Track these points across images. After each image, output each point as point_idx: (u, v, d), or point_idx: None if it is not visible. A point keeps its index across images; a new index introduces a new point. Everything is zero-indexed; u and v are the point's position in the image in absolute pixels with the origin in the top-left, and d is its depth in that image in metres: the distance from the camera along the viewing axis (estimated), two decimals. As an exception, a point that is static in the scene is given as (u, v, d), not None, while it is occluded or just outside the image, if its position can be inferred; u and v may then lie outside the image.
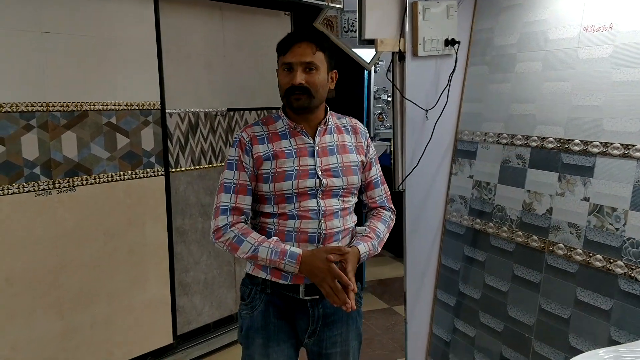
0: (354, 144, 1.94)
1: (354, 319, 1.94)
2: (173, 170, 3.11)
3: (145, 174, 2.93)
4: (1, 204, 2.43)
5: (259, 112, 3.53)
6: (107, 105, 2.78)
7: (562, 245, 2.10)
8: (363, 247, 1.85)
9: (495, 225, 2.41)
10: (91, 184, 2.74)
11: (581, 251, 2.03)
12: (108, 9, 2.75)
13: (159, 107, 2.97)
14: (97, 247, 2.79)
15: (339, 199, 1.86)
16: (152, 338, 3.05)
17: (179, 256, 3.16)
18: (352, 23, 4.17)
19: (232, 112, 3.42)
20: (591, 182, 2.02)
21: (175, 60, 3.09)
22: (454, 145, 2.66)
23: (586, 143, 2.05)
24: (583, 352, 1.92)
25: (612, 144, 1.95)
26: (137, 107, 2.88)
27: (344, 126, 1.96)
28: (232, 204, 1.82)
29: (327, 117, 1.91)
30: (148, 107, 2.92)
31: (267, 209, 1.85)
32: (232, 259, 3.43)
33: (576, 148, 2.08)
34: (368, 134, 2.02)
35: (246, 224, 1.85)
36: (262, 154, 1.83)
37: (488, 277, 2.42)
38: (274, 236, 1.82)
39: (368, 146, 1.99)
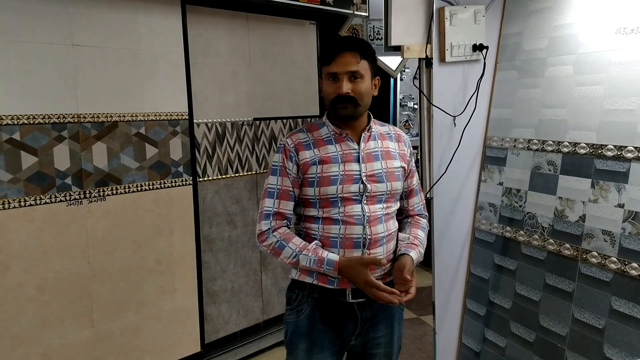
0: (397, 151, 1.94)
1: (398, 322, 1.96)
2: (200, 179, 3.12)
3: (173, 184, 2.94)
4: (34, 214, 2.45)
5: (284, 121, 3.53)
6: (136, 116, 2.80)
7: (596, 253, 2.04)
8: (414, 254, 1.86)
9: (526, 233, 2.35)
10: (121, 193, 2.76)
11: (616, 259, 1.97)
12: (137, 22, 2.78)
13: (187, 118, 2.99)
14: (127, 256, 2.80)
15: (382, 205, 1.87)
16: (180, 346, 3.05)
17: (207, 265, 3.17)
18: (378, 31, 4.16)
19: (258, 122, 3.42)
20: (625, 188, 1.96)
21: (202, 70, 3.12)
22: (483, 151, 2.61)
23: (620, 148, 1.99)
24: (619, 363, 1.86)
25: (647, 148, 1.90)
26: (165, 118, 2.90)
27: (388, 134, 1.96)
28: (275, 209, 1.85)
29: (371, 124, 1.91)
30: (176, 118, 2.94)
31: (312, 212, 1.86)
32: (259, 268, 3.42)
33: (609, 153, 2.02)
34: (410, 142, 2.04)
35: (289, 228, 1.87)
36: (308, 159, 1.84)
37: (519, 286, 2.36)
38: (319, 244, 1.84)
39: (411, 155, 2.00)
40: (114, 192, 2.75)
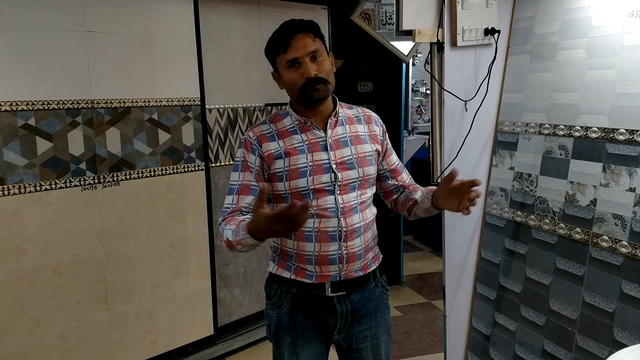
0: (367, 134, 1.88)
1: (383, 312, 1.91)
2: (213, 165, 3.14)
3: (186, 169, 2.97)
4: (50, 198, 2.49)
5: (297, 106, 3.53)
6: (149, 101, 2.82)
7: (607, 238, 2.04)
8: (420, 192, 1.89)
9: (537, 217, 2.35)
10: (134, 178, 2.79)
11: (626, 243, 1.97)
12: (149, 8, 2.79)
13: (199, 103, 3.00)
14: (141, 240, 2.84)
15: (356, 192, 1.80)
16: (193, 329, 3.09)
17: (219, 249, 3.19)
18: (390, 16, 4.13)
19: (270, 107, 3.43)
20: (637, 172, 1.95)
21: (214, 56, 3.12)
22: (494, 136, 2.61)
23: (632, 132, 1.98)
24: (629, 346, 1.86)
25: (659, 132, 1.88)
26: (177, 104, 2.91)
27: (356, 116, 1.89)
28: (233, 206, 1.76)
29: (337, 109, 1.84)
30: (188, 103, 2.96)
31: None
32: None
33: (621, 137, 2.01)
34: (382, 122, 1.96)
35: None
36: (273, 151, 1.76)
37: (529, 270, 2.36)
38: (294, 237, 1.78)
39: (384, 133, 1.93)
40: (128, 177, 2.78)
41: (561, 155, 2.27)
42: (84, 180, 2.63)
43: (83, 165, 2.63)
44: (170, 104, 2.88)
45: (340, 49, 3.69)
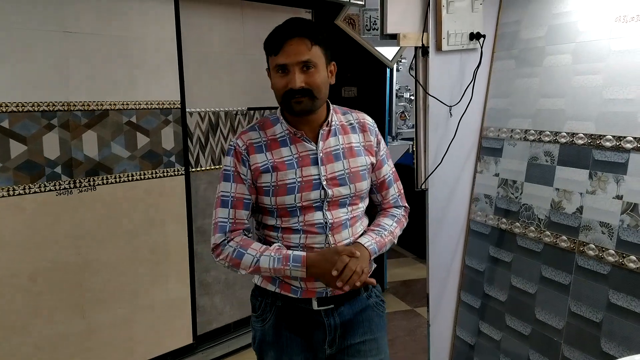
0: (362, 144, 1.75)
1: (377, 324, 1.80)
2: (193, 169, 3.06)
3: (165, 174, 2.89)
4: (23, 203, 2.41)
5: (280, 110, 3.45)
6: (127, 104, 2.74)
7: (593, 246, 1.99)
8: (365, 239, 1.68)
9: (522, 224, 2.30)
10: (112, 183, 2.71)
11: (614, 252, 1.92)
12: (129, 9, 2.72)
13: (179, 107, 2.92)
14: (118, 247, 2.75)
15: (347, 208, 1.70)
16: (172, 338, 3.00)
17: (200, 256, 3.11)
18: (374, 21, 4.09)
19: (252, 111, 3.36)
20: (624, 180, 1.91)
21: (196, 59, 3.05)
22: (479, 142, 2.56)
23: (619, 138, 1.94)
24: (616, 357, 1.81)
25: (647, 138, 1.84)
26: (157, 107, 2.84)
27: (350, 124, 1.77)
28: (230, 219, 1.66)
29: (330, 117, 1.72)
30: (168, 107, 2.88)
31: (270, 221, 1.70)
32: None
33: (608, 144, 1.97)
34: (377, 129, 1.83)
35: (247, 235, 1.69)
36: (260, 165, 1.65)
37: (515, 278, 2.31)
38: None
39: (378, 143, 1.80)
40: (105, 181, 2.70)
41: (547, 161, 2.22)
42: (59, 184, 2.54)
43: (59, 169, 2.54)
44: (149, 107, 2.80)
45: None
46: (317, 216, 1.66)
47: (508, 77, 2.46)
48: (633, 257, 1.84)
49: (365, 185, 1.74)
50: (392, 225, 1.80)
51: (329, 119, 1.71)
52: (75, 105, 2.58)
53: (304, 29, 1.61)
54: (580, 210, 2.06)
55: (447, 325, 2.68)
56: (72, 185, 2.58)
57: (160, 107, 2.85)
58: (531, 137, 2.30)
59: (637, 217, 1.85)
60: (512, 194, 2.37)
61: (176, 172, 2.93)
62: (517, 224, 2.32)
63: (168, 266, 2.96)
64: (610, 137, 1.95)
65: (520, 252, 2.28)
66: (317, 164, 1.67)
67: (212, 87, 3.14)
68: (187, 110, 3.00)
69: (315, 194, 1.65)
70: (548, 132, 2.23)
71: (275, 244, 1.65)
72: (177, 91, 2.92)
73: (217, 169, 3.16)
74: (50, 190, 2.52)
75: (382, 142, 1.83)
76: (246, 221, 1.69)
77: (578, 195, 2.06)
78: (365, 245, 1.66)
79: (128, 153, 2.75)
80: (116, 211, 2.73)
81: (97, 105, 2.66)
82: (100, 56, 2.64)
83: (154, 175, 2.84)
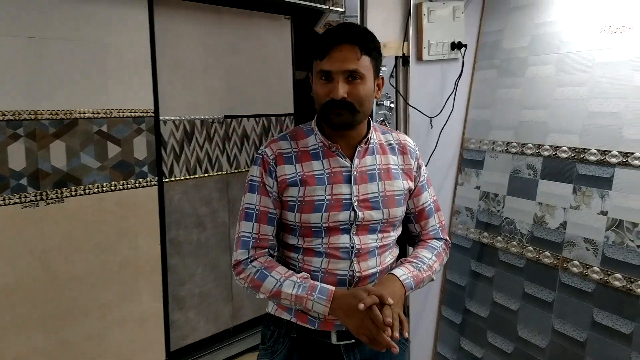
0: (400, 167, 1.62)
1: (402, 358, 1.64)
2: (167, 179, 2.95)
3: (137, 184, 2.78)
4: (-14, 216, 2.28)
5: (257, 119, 3.38)
6: (97, 112, 2.63)
7: (578, 262, 1.93)
8: (401, 271, 1.53)
9: (504, 239, 2.24)
10: (81, 194, 2.59)
11: (598, 269, 1.87)
12: (99, 13, 2.61)
13: (153, 115, 2.82)
14: (88, 260, 2.63)
15: (377, 235, 1.56)
16: (144, 354, 2.88)
17: (173, 269, 3.00)
18: (355, 28, 4.00)
19: (229, 119, 3.26)
20: (609, 195, 1.85)
21: (170, 65, 2.94)
22: (460, 154, 2.50)
23: (604, 152, 1.88)
24: (602, 380, 1.74)
25: (632, 153, 1.79)
26: (129, 115, 2.72)
27: (390, 144, 1.64)
28: (254, 235, 1.55)
29: (370, 134, 1.60)
30: (141, 115, 2.77)
31: (292, 240, 1.58)
32: (230, 272, 3.26)
33: (593, 158, 1.91)
34: (419, 152, 1.69)
35: (272, 256, 1.58)
36: (288, 177, 1.54)
37: (496, 294, 2.25)
38: None
39: (419, 168, 1.67)
40: (73, 193, 2.58)
41: (529, 175, 2.16)
42: (25, 197, 2.42)
43: (24, 181, 2.42)
44: (121, 115, 2.69)
45: (303, 61, 3.55)
46: (343, 240, 1.54)
47: (490, 88, 2.40)
48: (618, 275, 1.79)
49: (399, 211, 1.61)
50: (432, 259, 1.65)
51: (369, 136, 1.60)
52: (42, 114, 2.46)
53: (354, 36, 1.50)
54: (563, 225, 2.00)
55: (427, 341, 2.62)
56: (38, 198, 2.46)
57: (133, 115, 2.74)
58: (513, 150, 2.24)
59: (622, 234, 1.79)
60: (494, 207, 2.31)
61: (149, 183, 2.82)
62: (499, 238, 2.26)
63: (140, 280, 2.84)
64: (595, 150, 1.90)
65: (502, 267, 2.22)
66: (350, 182, 1.54)
67: (187, 94, 3.04)
68: (161, 118, 2.90)
69: (344, 215, 1.52)
70: (531, 145, 2.17)
71: (302, 273, 1.52)
72: (150, 99, 2.81)
73: (192, 178, 3.06)
74: (15, 203, 2.40)
75: (423, 167, 1.71)
76: (271, 237, 1.58)
77: (561, 210, 2.01)
78: (400, 278, 1.52)
79: (98, 163, 2.64)
80: (85, 224, 2.61)
81: (66, 113, 2.54)
82: (69, 63, 2.53)
83: (125, 187, 2.73)
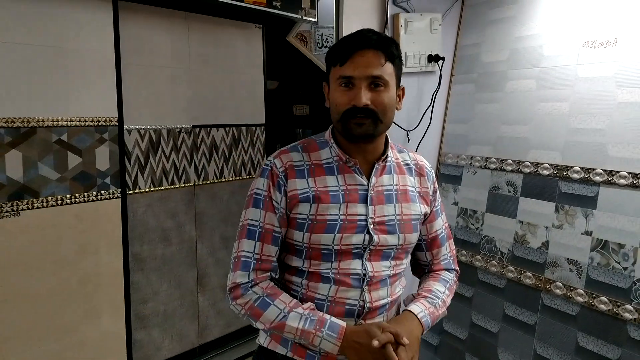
0: (417, 190, 1.52)
1: None
2: (131, 192, 2.81)
3: (99, 197, 2.63)
4: None
5: (227, 129, 3.26)
6: (57, 121, 2.49)
7: (561, 284, 1.87)
8: (418, 307, 1.43)
9: (483, 258, 2.16)
10: (38, 207, 2.44)
11: (583, 291, 1.80)
12: (60, 16, 2.48)
13: (116, 124, 2.69)
14: (46, 278, 2.49)
15: (390, 262, 1.44)
16: (105, 377, 2.72)
17: (136, 286, 2.86)
18: (326, 39, 3.94)
19: (197, 129, 3.13)
20: (594, 214, 1.79)
21: (136, 73, 2.82)
22: (437, 169, 2.42)
23: (588, 170, 1.82)
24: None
25: (618, 172, 1.73)
26: (91, 124, 2.59)
27: (406, 164, 1.55)
28: (256, 255, 1.40)
29: (388, 151, 1.50)
30: (104, 124, 2.63)
31: (295, 262, 1.45)
32: (196, 289, 3.12)
33: (576, 176, 1.86)
34: (435, 176, 1.60)
35: (275, 282, 1.44)
36: (299, 192, 1.40)
37: (476, 315, 2.17)
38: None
39: (435, 192, 1.58)
40: (30, 206, 2.43)
41: (509, 191, 2.10)
42: (-23, 209, 2.25)
43: (-23, 193, 2.25)
44: (83, 124, 2.55)
45: (275, 71, 3.45)
46: (355, 265, 1.41)
47: (467, 102, 2.34)
48: (604, 299, 1.72)
49: (414, 237, 1.51)
50: (445, 293, 1.57)
51: (387, 153, 1.50)
52: (-3, 122, 2.30)
53: (378, 41, 1.39)
54: (546, 245, 1.93)
55: (402, 362, 2.53)
56: (-9, 211, 2.29)
57: (95, 124, 2.60)
58: (492, 165, 2.18)
59: (608, 255, 1.73)
60: (473, 224, 2.23)
61: (111, 195, 2.68)
62: (478, 257, 2.19)
63: (101, 298, 2.70)
64: (578, 168, 1.84)
65: (481, 287, 2.15)
66: (366, 202, 1.42)
67: (153, 103, 2.91)
68: (125, 127, 2.77)
69: (357, 238, 1.40)
70: (510, 161, 2.11)
71: (308, 303, 1.38)
72: (114, 107, 2.68)
73: (157, 190, 2.92)
74: (-34, 216, 2.23)
75: (438, 191, 1.62)
76: (274, 259, 1.44)
77: (543, 229, 1.94)
78: (418, 316, 1.41)
79: (57, 174, 2.50)
80: (43, 239, 2.46)
81: (23, 121, 2.40)
82: (28, 68, 2.39)
83: (86, 199, 2.59)
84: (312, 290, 1.40)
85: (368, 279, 1.40)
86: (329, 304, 1.38)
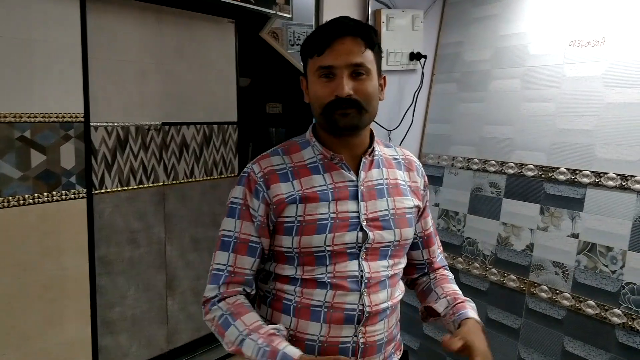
0: (408, 184, 1.48)
1: None
2: (97, 191, 2.70)
3: (64, 197, 2.52)
4: None
5: (198, 127, 3.16)
6: (20, 116, 2.38)
7: (546, 287, 1.84)
8: (473, 312, 1.40)
9: (465, 260, 2.12)
10: (-1, 207, 2.31)
11: (569, 295, 1.77)
12: (26, 8, 2.35)
13: (83, 120, 2.58)
14: (6, 282, 2.39)
15: (388, 261, 1.38)
16: (69, 386, 2.60)
17: (103, 290, 2.75)
18: (298, 37, 3.87)
19: (167, 127, 3.02)
20: (580, 217, 1.76)
21: (104, 67, 2.70)
22: (418, 169, 2.37)
23: (574, 172, 1.80)
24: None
25: (606, 173, 1.71)
26: (56, 120, 2.47)
27: (395, 159, 1.51)
28: (229, 268, 1.36)
29: (374, 145, 1.46)
30: (69, 120, 2.52)
31: (288, 271, 1.37)
32: (165, 292, 3.02)
33: (562, 177, 1.83)
34: (424, 171, 1.58)
35: (247, 296, 1.37)
36: (285, 196, 1.34)
37: (457, 319, 2.13)
38: (294, 313, 1.33)
39: (425, 187, 1.55)
40: (-10, 206, 2.29)
41: (492, 193, 2.06)
42: None
43: None
44: (47, 120, 2.44)
45: (247, 67, 3.36)
46: (352, 266, 1.34)
47: (449, 101, 2.30)
48: (591, 302, 1.69)
49: (411, 233, 1.46)
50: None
51: (373, 146, 1.45)
52: (-45, 117, 2.17)
53: (357, 28, 1.33)
54: (530, 247, 1.90)
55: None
56: (-52, 211, 2.16)
57: (60, 120, 2.48)
58: (475, 166, 2.14)
59: (595, 259, 1.70)
60: (454, 226, 2.19)
61: (77, 195, 2.57)
62: (460, 259, 2.15)
63: (65, 303, 2.59)
64: (565, 169, 1.81)
65: (463, 290, 2.11)
66: (357, 198, 1.36)
67: (121, 98, 2.80)
68: (92, 124, 2.66)
69: (350, 236, 1.34)
70: (494, 162, 2.07)
71: (270, 326, 1.29)
72: (80, 102, 2.57)
73: (125, 190, 2.81)
74: None
75: (428, 186, 1.58)
76: (248, 271, 1.37)
77: (528, 232, 1.91)
78: (480, 325, 1.36)
79: (20, 173, 2.38)
80: (4, 241, 2.36)
81: (-17, 116, 2.25)
82: (-12, 60, 2.25)
83: (50, 199, 2.47)
84: (307, 297, 1.33)
85: (366, 281, 1.33)
86: (326, 310, 1.31)
